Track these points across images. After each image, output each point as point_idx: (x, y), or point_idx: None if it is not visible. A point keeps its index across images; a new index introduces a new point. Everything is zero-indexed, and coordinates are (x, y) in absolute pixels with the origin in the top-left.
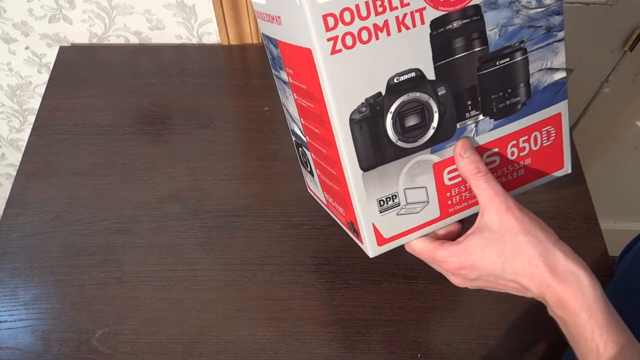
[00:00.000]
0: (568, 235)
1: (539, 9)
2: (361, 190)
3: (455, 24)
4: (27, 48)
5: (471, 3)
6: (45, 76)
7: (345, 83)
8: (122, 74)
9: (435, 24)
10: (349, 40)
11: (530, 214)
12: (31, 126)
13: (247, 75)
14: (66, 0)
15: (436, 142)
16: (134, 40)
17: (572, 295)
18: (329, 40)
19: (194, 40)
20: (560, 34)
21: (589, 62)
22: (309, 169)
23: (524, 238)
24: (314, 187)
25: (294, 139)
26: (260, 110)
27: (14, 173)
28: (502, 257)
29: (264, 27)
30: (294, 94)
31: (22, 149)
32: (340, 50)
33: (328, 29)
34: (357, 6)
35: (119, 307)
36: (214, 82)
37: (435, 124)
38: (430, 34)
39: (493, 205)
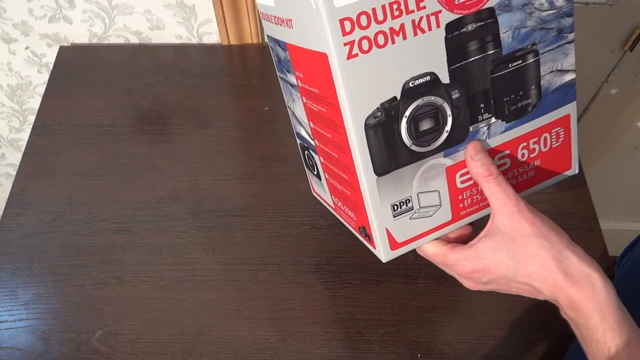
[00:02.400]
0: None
1: (551, 11)
2: (375, 195)
3: (470, 27)
4: (27, 48)
5: (486, 6)
6: (45, 76)
7: (361, 88)
8: (122, 74)
9: (450, 27)
10: (365, 45)
11: (542, 216)
12: (31, 126)
13: (247, 75)
14: (66, 0)
15: (449, 146)
16: (134, 40)
17: (584, 297)
18: (345, 44)
19: (194, 40)
20: (571, 36)
21: (589, 62)
22: (315, 172)
23: (536, 240)
24: (321, 190)
25: (299, 141)
26: (260, 110)
27: (14, 173)
28: (515, 260)
29: (271, 29)
30: (303, 98)
31: (22, 149)
32: (356, 55)
33: (345, 34)
34: (373, 10)
35: (119, 307)
36: (214, 82)
37: (448, 127)
38: (446, 37)
39: (505, 208)
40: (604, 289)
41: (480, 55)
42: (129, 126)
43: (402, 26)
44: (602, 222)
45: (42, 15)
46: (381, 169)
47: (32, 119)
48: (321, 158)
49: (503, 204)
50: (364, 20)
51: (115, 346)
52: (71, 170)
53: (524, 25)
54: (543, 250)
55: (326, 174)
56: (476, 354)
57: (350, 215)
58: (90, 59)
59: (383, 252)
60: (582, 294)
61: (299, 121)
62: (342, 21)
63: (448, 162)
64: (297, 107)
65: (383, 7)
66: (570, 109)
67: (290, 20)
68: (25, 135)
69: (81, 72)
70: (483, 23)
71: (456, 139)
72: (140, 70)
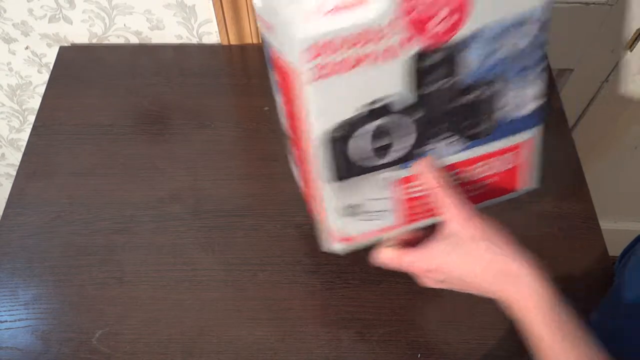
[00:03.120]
0: (568, 235)
1: (523, 42)
2: (329, 198)
3: (438, 55)
4: (27, 48)
5: (457, 35)
6: (45, 76)
7: (325, 107)
8: (122, 74)
9: (418, 54)
10: (332, 68)
11: (490, 220)
12: (31, 126)
13: (247, 75)
14: (66, 0)
15: (405, 160)
16: (134, 40)
17: (524, 296)
18: (312, 67)
19: (194, 40)
20: (541, 66)
21: (589, 62)
22: (294, 162)
23: (483, 244)
24: (298, 179)
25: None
26: (260, 110)
27: (14, 173)
28: (464, 263)
29: (262, 29)
30: (281, 98)
31: (22, 149)
32: (323, 76)
33: (313, 57)
34: (341, 38)
35: (119, 307)
36: (214, 82)
37: (407, 145)
38: (413, 62)
39: (454, 216)
40: (542, 286)
41: (445, 81)
42: (129, 126)
43: (372, 52)
44: (602, 222)
45: (42, 15)
46: (337, 176)
47: (32, 119)
48: (295, 150)
49: (453, 213)
50: (332, 47)
51: (115, 346)
52: (71, 170)
53: (494, 55)
54: (489, 253)
55: (298, 166)
56: (476, 354)
57: (312, 206)
58: (90, 59)
59: (329, 243)
60: (523, 293)
61: (282, 114)
62: (311, 47)
63: (403, 173)
64: (279, 104)
65: (351, 35)
66: (533, 133)
67: (273, 26)
68: (25, 135)
69: (81, 72)
70: (452, 51)
71: (414, 156)
72: (140, 70)
